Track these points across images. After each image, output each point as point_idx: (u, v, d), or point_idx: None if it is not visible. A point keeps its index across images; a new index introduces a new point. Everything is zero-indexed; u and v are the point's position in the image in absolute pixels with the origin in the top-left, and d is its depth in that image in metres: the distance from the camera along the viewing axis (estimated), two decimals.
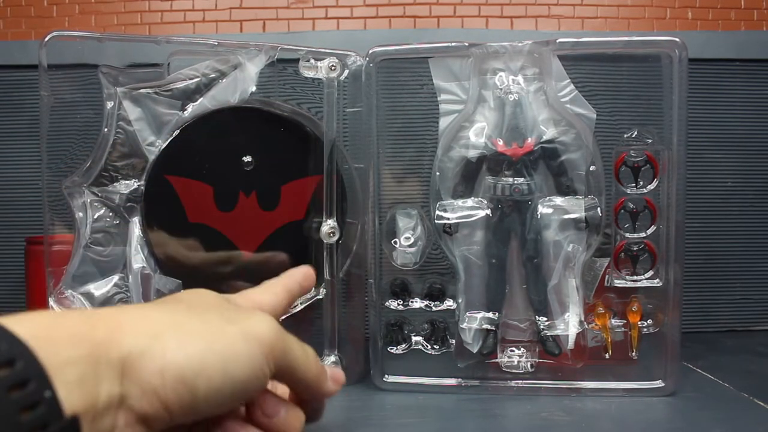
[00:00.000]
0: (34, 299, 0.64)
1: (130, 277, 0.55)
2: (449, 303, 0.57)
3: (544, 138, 0.54)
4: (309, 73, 0.56)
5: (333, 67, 0.56)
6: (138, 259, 0.55)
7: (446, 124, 0.56)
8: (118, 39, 0.59)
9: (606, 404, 0.52)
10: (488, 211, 0.55)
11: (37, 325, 0.27)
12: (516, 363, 0.56)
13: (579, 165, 0.54)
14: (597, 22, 0.81)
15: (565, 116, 0.54)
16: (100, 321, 0.30)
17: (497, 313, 0.56)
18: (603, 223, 0.54)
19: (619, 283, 0.55)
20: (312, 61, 0.56)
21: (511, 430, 0.49)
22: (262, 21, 0.81)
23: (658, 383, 0.54)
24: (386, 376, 0.57)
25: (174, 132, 0.55)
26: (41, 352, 0.26)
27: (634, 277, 0.55)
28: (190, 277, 0.55)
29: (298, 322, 0.55)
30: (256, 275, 0.46)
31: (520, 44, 0.54)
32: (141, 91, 0.55)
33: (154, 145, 0.55)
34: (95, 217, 0.55)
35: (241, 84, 0.56)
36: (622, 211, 0.55)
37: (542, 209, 0.54)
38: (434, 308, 0.57)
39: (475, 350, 0.56)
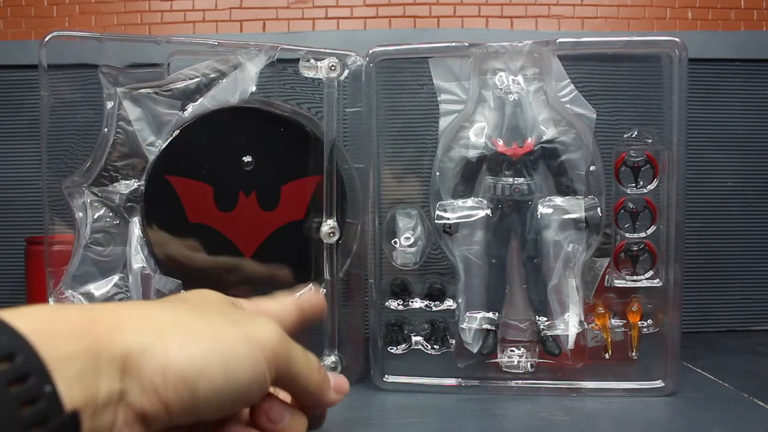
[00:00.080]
0: (34, 299, 0.64)
1: (130, 277, 0.55)
2: (449, 303, 0.57)
3: (544, 138, 0.54)
4: (309, 73, 0.56)
5: (333, 67, 0.56)
6: (138, 259, 0.55)
7: (446, 124, 0.56)
8: (118, 39, 0.59)
9: (606, 404, 0.52)
10: (488, 211, 0.55)
11: (37, 319, 0.27)
12: (516, 363, 0.56)
13: (579, 165, 0.54)
14: (597, 22, 0.81)
15: (565, 116, 0.54)
16: (101, 316, 0.30)
17: (497, 313, 0.56)
18: (603, 223, 0.54)
19: (619, 283, 0.55)
20: (312, 61, 0.56)
21: (511, 430, 0.49)
22: (262, 21, 0.81)
23: (658, 383, 0.54)
24: (386, 376, 0.57)
25: (174, 132, 0.55)
26: (41, 346, 0.26)
27: (634, 277, 0.55)
28: (190, 277, 0.55)
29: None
30: (260, 286, 0.46)
31: (520, 44, 0.54)
32: (141, 91, 0.55)
33: (154, 145, 0.55)
34: (95, 217, 0.55)
35: (241, 84, 0.56)
36: (622, 211, 0.55)
37: (542, 209, 0.54)
38: (434, 308, 0.57)
39: (475, 350, 0.56)
